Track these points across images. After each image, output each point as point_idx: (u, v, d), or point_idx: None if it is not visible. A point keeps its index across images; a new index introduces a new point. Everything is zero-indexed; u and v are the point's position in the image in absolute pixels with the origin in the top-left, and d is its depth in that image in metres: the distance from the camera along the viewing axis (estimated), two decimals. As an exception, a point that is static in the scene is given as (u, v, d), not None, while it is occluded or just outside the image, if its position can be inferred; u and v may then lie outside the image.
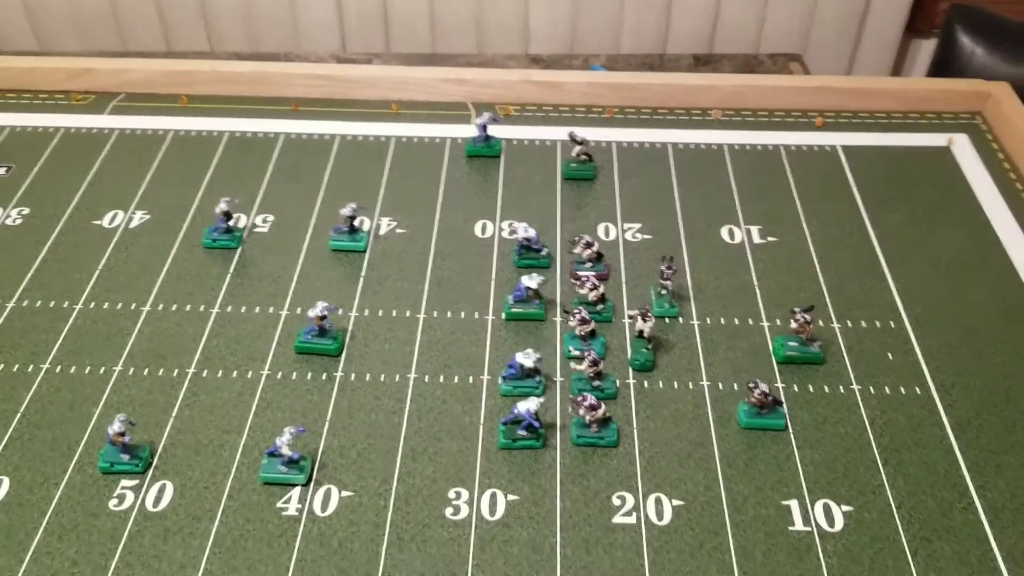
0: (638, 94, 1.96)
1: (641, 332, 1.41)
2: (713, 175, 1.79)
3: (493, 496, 1.23)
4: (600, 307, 1.48)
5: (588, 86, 1.95)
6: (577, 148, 1.76)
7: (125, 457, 1.23)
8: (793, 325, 1.41)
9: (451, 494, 1.23)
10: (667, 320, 1.48)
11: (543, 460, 1.28)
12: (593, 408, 1.27)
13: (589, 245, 1.53)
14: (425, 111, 1.95)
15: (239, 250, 1.59)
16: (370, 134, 1.88)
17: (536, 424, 1.27)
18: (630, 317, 1.46)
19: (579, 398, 1.28)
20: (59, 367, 1.38)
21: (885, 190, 1.76)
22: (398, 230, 1.65)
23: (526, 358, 1.34)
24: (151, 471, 1.24)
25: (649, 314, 1.41)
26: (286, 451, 1.20)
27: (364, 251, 1.60)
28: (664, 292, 1.50)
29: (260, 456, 1.25)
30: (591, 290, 1.46)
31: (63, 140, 1.84)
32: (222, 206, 1.58)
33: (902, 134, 1.90)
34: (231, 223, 1.59)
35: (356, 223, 1.60)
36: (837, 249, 1.63)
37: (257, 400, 1.34)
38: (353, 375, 1.38)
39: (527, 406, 1.27)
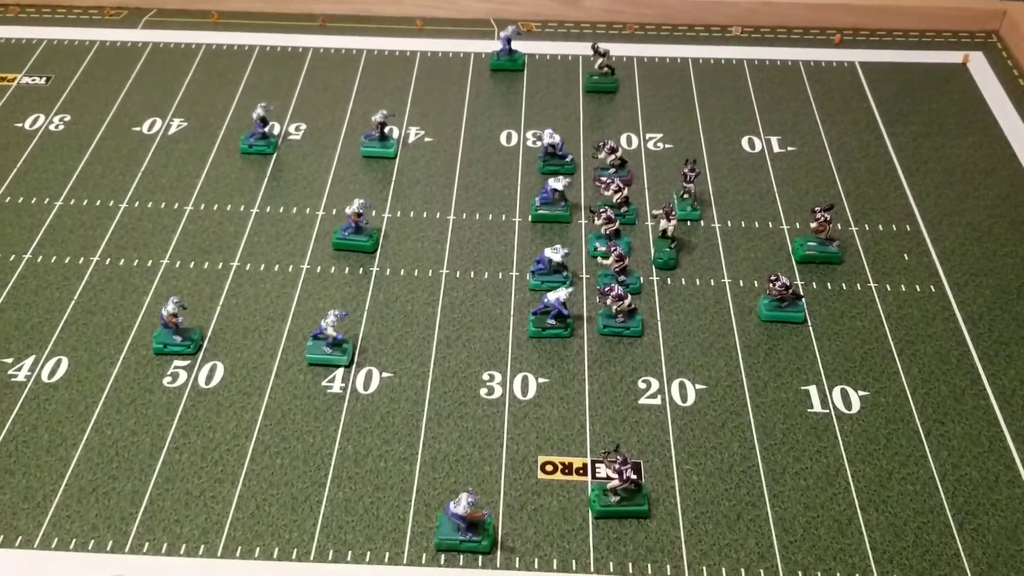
0: (658, 11, 1.99)
1: (664, 231, 1.47)
2: (733, 89, 1.84)
3: (524, 379, 1.29)
4: (624, 210, 1.53)
5: (608, 2, 1.98)
6: (599, 60, 1.80)
7: (177, 339, 1.29)
8: (813, 224, 1.46)
9: (484, 376, 1.29)
10: (689, 223, 1.54)
11: (571, 348, 1.34)
12: (620, 298, 1.33)
13: (613, 150, 1.58)
14: (449, 27, 1.99)
15: (274, 156, 1.64)
16: (396, 49, 1.92)
17: (565, 312, 1.33)
18: (653, 216, 1.51)
19: (606, 288, 1.34)
20: (108, 260, 1.44)
21: (902, 104, 1.80)
22: (426, 139, 1.70)
23: (554, 253, 1.39)
24: (201, 352, 1.31)
25: (673, 213, 1.47)
26: (331, 332, 1.26)
27: (394, 158, 1.65)
28: (686, 196, 1.55)
29: (304, 340, 1.31)
30: (615, 192, 1.51)
31: (98, 53, 1.89)
32: (259, 111, 1.62)
33: (919, 51, 1.94)
34: (266, 129, 1.64)
35: (386, 131, 1.65)
36: (854, 159, 1.67)
37: (299, 291, 1.40)
38: (388, 270, 1.44)
39: (556, 296, 1.33)
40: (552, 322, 1.35)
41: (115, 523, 1.11)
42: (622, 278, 1.41)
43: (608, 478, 1.13)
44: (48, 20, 1.96)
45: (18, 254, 1.45)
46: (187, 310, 1.31)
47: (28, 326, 1.33)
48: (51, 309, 1.36)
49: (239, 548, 1.09)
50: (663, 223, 1.46)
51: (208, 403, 1.24)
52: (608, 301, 1.34)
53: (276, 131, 1.69)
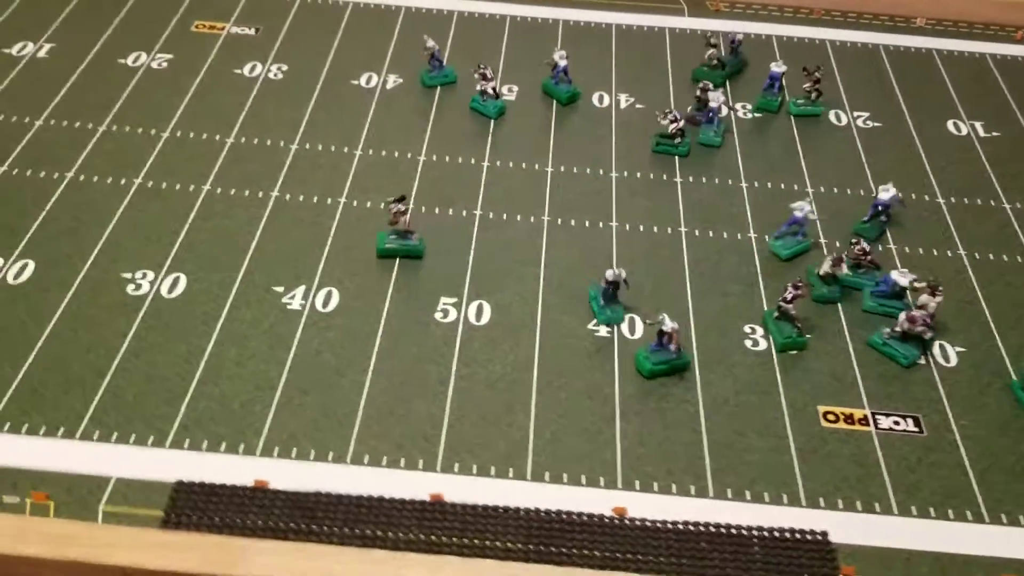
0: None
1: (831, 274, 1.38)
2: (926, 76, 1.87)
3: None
4: (677, 141, 1.61)
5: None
6: (711, 51, 1.80)
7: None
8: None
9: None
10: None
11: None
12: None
13: (675, 120, 1.59)
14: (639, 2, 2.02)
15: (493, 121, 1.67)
16: (592, 20, 1.96)
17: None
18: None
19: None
20: (355, 201, 1.47)
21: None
22: (636, 105, 1.73)
23: (902, 277, 1.34)
24: (465, 291, 1.34)
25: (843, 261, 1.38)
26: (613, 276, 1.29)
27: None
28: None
29: (558, 286, 1.34)
30: (671, 123, 1.59)
31: (301, 8, 1.92)
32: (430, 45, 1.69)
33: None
34: (491, 86, 1.67)
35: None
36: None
37: (544, 240, 1.43)
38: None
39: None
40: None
41: (420, 443, 1.13)
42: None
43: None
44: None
45: (265, 191, 1.48)
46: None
47: (291, 259, 1.36)
48: (311, 244, 1.39)
49: (546, 473, 1.11)
50: (826, 266, 1.37)
51: (482, 337, 1.27)
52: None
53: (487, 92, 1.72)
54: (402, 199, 1.37)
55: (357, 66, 1.77)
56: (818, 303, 1.36)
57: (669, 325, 1.21)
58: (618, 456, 1.14)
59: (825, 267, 1.36)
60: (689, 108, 1.68)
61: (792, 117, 1.72)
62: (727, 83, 1.79)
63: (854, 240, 1.40)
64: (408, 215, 1.36)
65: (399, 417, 1.16)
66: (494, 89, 1.68)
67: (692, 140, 1.63)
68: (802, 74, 1.73)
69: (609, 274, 1.29)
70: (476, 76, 1.68)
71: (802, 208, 1.43)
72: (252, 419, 1.15)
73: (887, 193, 1.46)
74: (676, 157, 1.61)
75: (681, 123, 1.60)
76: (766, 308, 1.34)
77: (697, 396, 1.22)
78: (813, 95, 1.72)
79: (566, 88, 1.72)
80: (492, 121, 1.66)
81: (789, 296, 1.29)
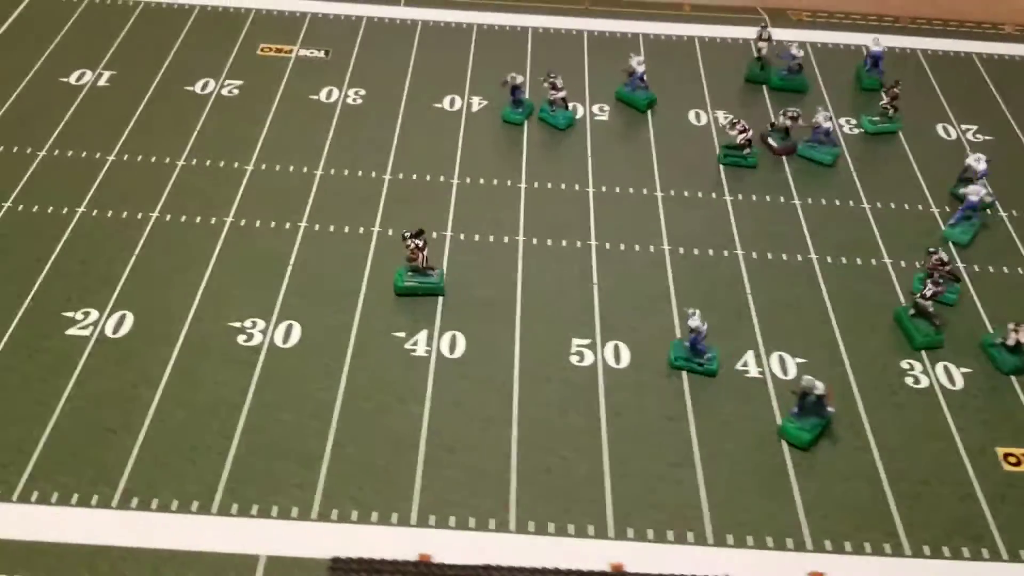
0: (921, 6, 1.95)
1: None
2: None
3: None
4: (746, 152, 1.54)
5: (879, -7, 1.94)
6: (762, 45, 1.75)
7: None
8: None
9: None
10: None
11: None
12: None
13: (744, 130, 1.53)
14: (718, 13, 1.94)
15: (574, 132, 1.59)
16: (670, 33, 1.87)
17: None
18: None
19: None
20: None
21: None
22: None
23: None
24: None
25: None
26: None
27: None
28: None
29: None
30: (740, 133, 1.52)
31: (368, 28, 1.82)
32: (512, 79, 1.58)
33: None
34: (560, 96, 1.59)
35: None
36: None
37: (670, 273, 1.34)
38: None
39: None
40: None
41: (586, 505, 1.04)
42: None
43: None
44: (308, -6, 1.90)
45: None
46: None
47: (406, 302, 1.27)
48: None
49: (728, 536, 1.02)
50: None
51: (626, 382, 1.18)
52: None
53: (578, 113, 1.63)
54: (420, 234, 1.25)
55: (438, 88, 1.68)
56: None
57: (820, 387, 1.11)
58: (801, 515, 1.05)
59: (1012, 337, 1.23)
60: (770, 127, 1.59)
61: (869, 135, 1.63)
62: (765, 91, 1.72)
63: (932, 249, 1.31)
64: (426, 250, 1.25)
65: (557, 475, 1.07)
66: (564, 99, 1.60)
67: (789, 161, 1.55)
68: (881, 90, 1.65)
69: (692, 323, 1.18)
70: (545, 85, 1.59)
71: (977, 192, 1.39)
72: (399, 482, 1.05)
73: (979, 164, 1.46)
74: (760, 173, 1.53)
75: (749, 133, 1.52)
76: (903, 303, 1.26)
77: (870, 443, 1.13)
78: (891, 111, 1.63)
79: (644, 95, 1.65)
80: (588, 146, 1.57)
81: (929, 292, 1.22)
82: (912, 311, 1.25)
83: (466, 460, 1.08)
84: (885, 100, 1.63)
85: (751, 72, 1.74)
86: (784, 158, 1.55)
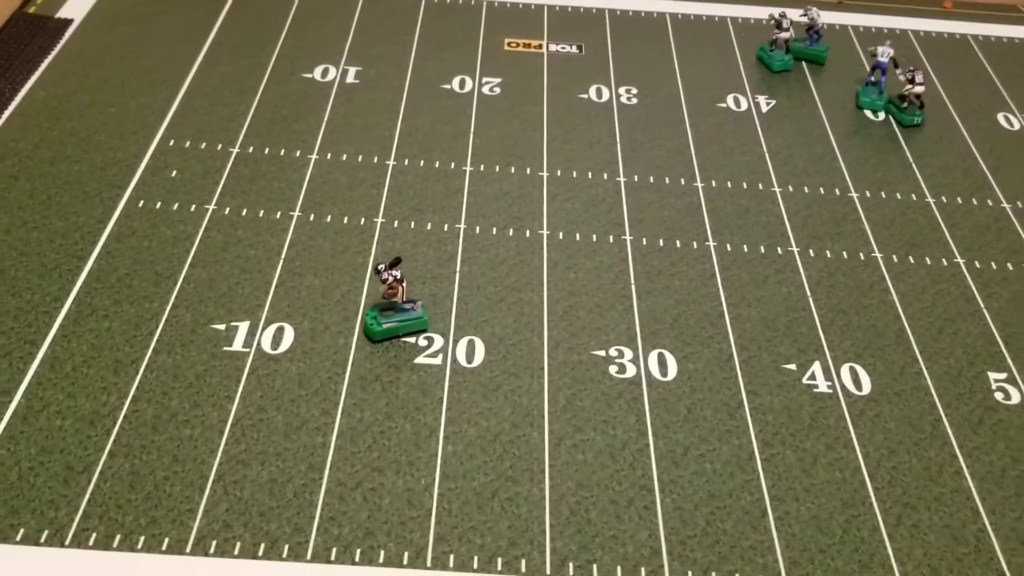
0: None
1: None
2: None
3: None
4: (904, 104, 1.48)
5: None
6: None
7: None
8: None
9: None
10: None
11: None
12: None
13: (911, 80, 1.46)
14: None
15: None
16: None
17: None
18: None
19: None
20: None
21: None
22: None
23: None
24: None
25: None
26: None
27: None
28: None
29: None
30: (908, 82, 1.47)
31: (614, 21, 1.67)
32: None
33: None
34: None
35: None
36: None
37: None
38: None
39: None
40: None
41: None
42: None
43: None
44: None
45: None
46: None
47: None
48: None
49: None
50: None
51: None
52: None
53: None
54: (397, 263, 1.07)
55: (717, 85, 1.53)
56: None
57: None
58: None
59: None
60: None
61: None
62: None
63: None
64: (404, 283, 1.06)
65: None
66: (786, 42, 1.58)
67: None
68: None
69: None
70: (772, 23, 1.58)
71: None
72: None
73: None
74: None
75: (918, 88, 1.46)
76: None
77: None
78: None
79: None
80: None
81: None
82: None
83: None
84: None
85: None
86: None
